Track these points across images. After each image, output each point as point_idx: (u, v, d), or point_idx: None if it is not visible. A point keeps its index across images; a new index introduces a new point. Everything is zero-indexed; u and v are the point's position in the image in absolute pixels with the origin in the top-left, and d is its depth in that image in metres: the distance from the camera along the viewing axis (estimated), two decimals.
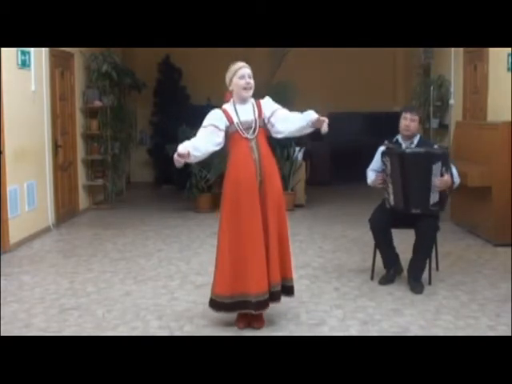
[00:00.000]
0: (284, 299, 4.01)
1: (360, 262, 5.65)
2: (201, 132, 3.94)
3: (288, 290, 4.02)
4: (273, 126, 3.98)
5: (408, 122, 4.74)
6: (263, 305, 3.85)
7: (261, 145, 3.91)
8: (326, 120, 3.84)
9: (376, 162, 4.92)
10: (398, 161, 4.64)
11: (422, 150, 4.67)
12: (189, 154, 3.81)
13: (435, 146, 4.85)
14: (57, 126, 7.60)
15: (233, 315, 4.06)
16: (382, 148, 4.84)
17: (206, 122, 3.95)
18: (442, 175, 4.54)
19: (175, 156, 3.80)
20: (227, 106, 3.97)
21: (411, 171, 4.61)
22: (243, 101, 3.94)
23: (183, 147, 3.81)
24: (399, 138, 4.87)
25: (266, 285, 3.83)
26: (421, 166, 4.57)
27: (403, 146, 4.79)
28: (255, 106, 3.97)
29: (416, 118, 4.76)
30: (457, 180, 4.72)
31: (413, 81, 10.39)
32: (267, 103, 4.01)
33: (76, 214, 8.23)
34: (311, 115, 3.90)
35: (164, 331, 3.97)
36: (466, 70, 8.05)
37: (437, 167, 4.54)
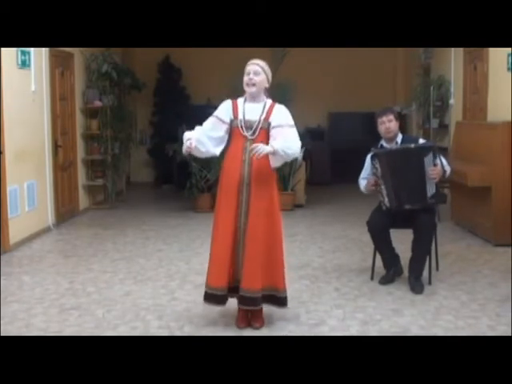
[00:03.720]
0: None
1: (360, 261, 5.65)
2: (206, 122, 3.98)
3: (279, 301, 3.96)
4: (270, 137, 3.88)
5: (387, 124, 4.76)
6: (217, 299, 3.89)
7: None
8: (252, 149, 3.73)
9: (366, 170, 4.95)
10: (387, 160, 4.67)
11: (410, 146, 4.69)
12: (196, 147, 3.87)
13: (420, 140, 4.92)
14: (57, 126, 7.60)
15: (233, 315, 4.07)
16: (369, 155, 4.86)
17: (216, 111, 3.98)
18: (434, 165, 4.58)
19: (187, 143, 3.83)
20: (239, 100, 3.96)
21: (401, 168, 4.64)
22: (253, 98, 3.90)
23: (193, 138, 3.87)
24: (383, 142, 4.88)
25: (220, 282, 3.85)
26: (412, 161, 4.62)
27: (389, 147, 4.81)
28: (267, 107, 3.90)
29: (391, 116, 4.77)
30: (447, 168, 4.74)
31: (413, 81, 10.39)
32: (278, 113, 3.88)
33: (76, 213, 8.23)
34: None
35: (164, 331, 3.97)
36: (466, 69, 8.05)
37: (428, 159, 4.58)
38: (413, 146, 4.67)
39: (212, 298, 3.91)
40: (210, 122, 3.98)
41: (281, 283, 3.93)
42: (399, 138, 4.83)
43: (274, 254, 3.88)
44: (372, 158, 4.79)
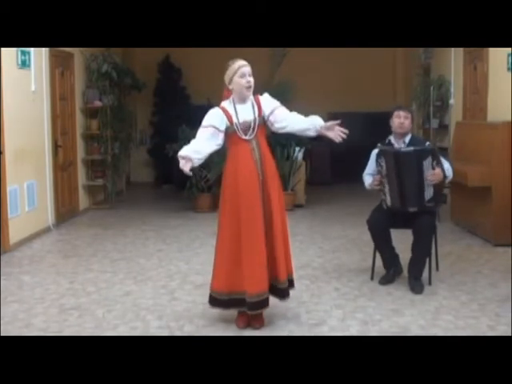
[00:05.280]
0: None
1: (360, 261, 5.65)
2: (201, 133, 3.92)
3: (290, 284, 4.05)
4: (272, 124, 3.98)
5: (402, 119, 4.76)
6: (258, 305, 3.85)
7: (261, 144, 3.91)
8: (335, 124, 3.91)
9: (371, 166, 4.94)
10: (393, 160, 4.67)
11: (411, 148, 4.70)
12: (191, 158, 3.81)
13: (427, 143, 4.91)
14: (57, 126, 7.60)
15: (233, 315, 4.06)
16: (375, 151, 4.86)
17: (205, 121, 3.92)
18: (433, 168, 4.57)
19: (181, 163, 3.79)
20: (226, 105, 3.93)
21: (405, 170, 4.64)
22: (243, 100, 3.90)
23: (185, 153, 3.82)
24: (391, 138, 4.89)
25: (263, 286, 3.83)
26: (412, 164, 4.62)
27: (396, 145, 4.81)
28: (255, 103, 3.93)
29: (409, 115, 4.80)
30: (449, 174, 4.73)
31: (413, 81, 10.39)
32: (266, 100, 3.99)
33: (76, 214, 8.23)
34: (318, 121, 3.95)
35: (164, 331, 3.97)
36: (466, 69, 8.05)
37: (427, 163, 4.58)
38: (412, 149, 4.67)
39: (262, 303, 3.86)
40: (207, 133, 3.89)
41: (291, 267, 4.06)
42: (408, 137, 4.84)
43: (287, 244, 4.00)
44: (378, 155, 4.79)
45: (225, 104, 3.94)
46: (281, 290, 3.93)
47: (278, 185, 4.01)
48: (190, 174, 3.90)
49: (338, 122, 3.90)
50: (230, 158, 3.94)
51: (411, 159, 4.62)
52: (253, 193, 3.84)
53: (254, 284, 3.81)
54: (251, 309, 3.86)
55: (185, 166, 3.81)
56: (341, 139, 3.93)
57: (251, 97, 3.95)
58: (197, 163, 3.92)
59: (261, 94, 4.02)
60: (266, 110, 3.94)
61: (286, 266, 3.94)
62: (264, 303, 3.87)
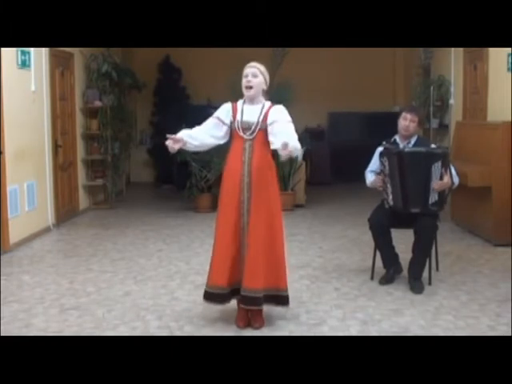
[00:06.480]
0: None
1: (360, 261, 5.65)
2: (206, 122, 4.06)
3: (281, 300, 3.98)
4: (268, 135, 3.91)
5: (408, 122, 4.74)
6: (210, 296, 3.94)
7: (256, 148, 3.89)
8: (286, 149, 3.62)
9: (374, 163, 4.93)
10: (397, 160, 4.65)
11: (421, 149, 4.69)
12: (183, 140, 3.98)
13: (433, 146, 4.87)
14: (57, 126, 7.59)
15: (233, 315, 4.07)
16: (379, 149, 4.86)
17: (215, 112, 4.06)
18: (441, 175, 4.55)
19: (168, 141, 3.97)
20: (239, 103, 4.02)
21: (410, 170, 4.62)
22: (251, 100, 3.95)
23: (180, 134, 3.99)
24: (397, 137, 4.88)
25: (220, 281, 3.89)
26: (420, 165, 4.59)
27: (401, 145, 4.80)
28: (265, 108, 3.93)
29: (416, 119, 4.77)
30: (456, 180, 4.73)
31: (413, 81, 10.38)
32: (275, 111, 3.92)
33: (76, 213, 8.23)
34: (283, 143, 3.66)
35: (164, 331, 3.97)
36: (465, 69, 8.05)
37: (436, 167, 4.56)
38: (424, 149, 4.65)
39: (213, 296, 3.94)
40: (210, 123, 4.05)
41: (282, 282, 3.96)
42: (414, 138, 4.83)
43: (275, 253, 3.91)
44: (381, 154, 4.78)
45: (239, 101, 4.03)
46: (244, 296, 3.85)
47: (274, 190, 3.94)
48: (175, 151, 4.03)
49: (287, 151, 3.61)
50: (227, 155, 4.03)
51: (419, 160, 4.59)
52: (232, 193, 3.91)
53: (211, 275, 3.94)
54: (204, 298, 3.99)
55: (173, 144, 3.98)
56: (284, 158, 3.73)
57: (267, 102, 3.97)
58: (190, 148, 4.10)
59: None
60: (269, 120, 3.90)
61: (267, 276, 3.85)
62: (216, 297, 3.93)
